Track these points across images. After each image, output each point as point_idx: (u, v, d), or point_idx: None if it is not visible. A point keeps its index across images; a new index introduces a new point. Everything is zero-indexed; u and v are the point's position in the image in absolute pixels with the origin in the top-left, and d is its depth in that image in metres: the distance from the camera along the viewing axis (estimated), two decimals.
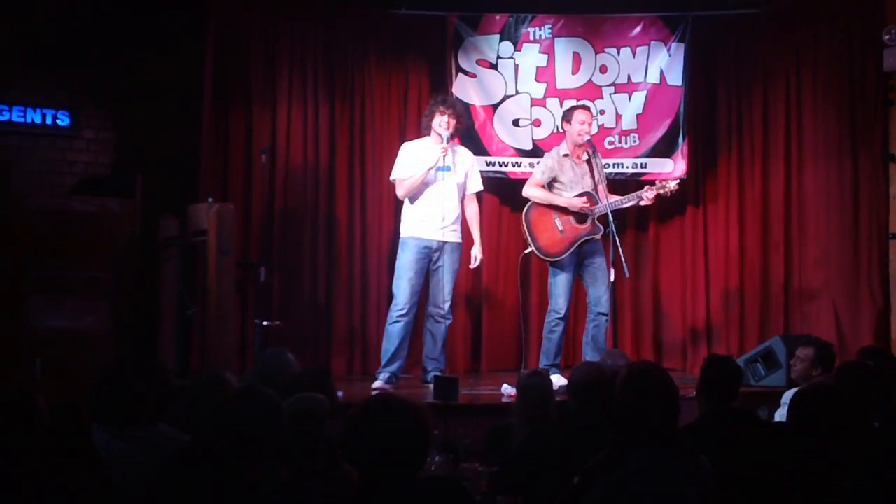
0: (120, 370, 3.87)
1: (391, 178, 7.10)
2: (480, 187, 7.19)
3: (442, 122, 6.86)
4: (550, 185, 6.97)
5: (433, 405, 5.48)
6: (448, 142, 6.86)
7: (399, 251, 7.02)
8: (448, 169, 6.92)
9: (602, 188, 6.91)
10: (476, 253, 7.10)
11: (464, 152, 7.17)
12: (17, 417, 2.89)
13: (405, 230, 7.02)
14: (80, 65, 7.49)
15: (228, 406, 3.23)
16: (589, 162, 6.98)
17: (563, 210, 6.88)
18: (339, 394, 4.99)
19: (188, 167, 7.43)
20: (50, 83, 7.51)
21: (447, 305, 7.00)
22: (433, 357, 7.05)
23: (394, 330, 6.86)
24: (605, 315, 6.88)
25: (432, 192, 6.92)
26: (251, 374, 5.40)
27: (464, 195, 7.06)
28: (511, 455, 4.22)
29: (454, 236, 6.99)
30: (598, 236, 6.92)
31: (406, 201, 7.01)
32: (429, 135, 6.99)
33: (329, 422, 3.52)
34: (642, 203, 7.03)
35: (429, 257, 6.93)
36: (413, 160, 6.95)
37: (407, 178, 6.92)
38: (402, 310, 6.86)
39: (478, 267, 7.41)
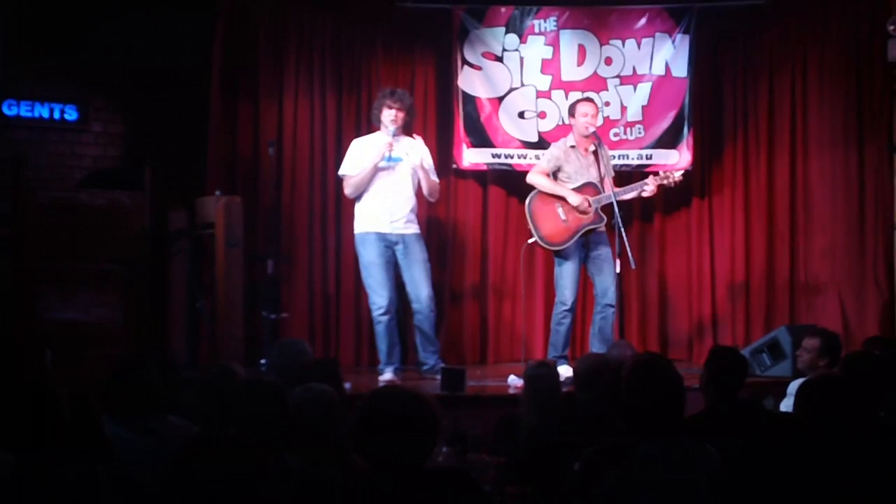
0: (130, 362, 3.89)
1: (339, 173, 7.01)
2: (433, 177, 7.01)
3: (389, 116, 6.77)
4: (555, 175, 6.98)
5: (441, 396, 5.50)
6: (394, 136, 6.75)
7: (359, 248, 6.92)
8: (399, 160, 6.82)
9: (608, 180, 6.92)
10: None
11: (413, 142, 6.97)
12: (39, 408, 2.91)
13: (360, 225, 6.90)
14: (88, 59, 7.53)
15: (233, 397, 3.25)
16: (595, 154, 6.99)
17: (565, 199, 6.88)
18: (347, 385, 5.03)
19: (197, 160, 7.46)
20: (58, 77, 7.54)
21: (428, 298, 6.92)
22: (430, 350, 7.00)
23: (381, 329, 6.83)
24: (612, 306, 6.85)
25: (381, 184, 6.80)
26: (268, 365, 5.44)
27: (419, 183, 6.90)
28: (519, 445, 4.25)
29: (409, 228, 6.87)
30: (602, 226, 6.91)
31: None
32: (379, 128, 6.90)
33: (338, 412, 3.55)
34: (645, 194, 7.00)
35: (391, 249, 6.84)
36: (362, 156, 6.82)
37: (354, 176, 6.83)
38: (381, 308, 6.79)
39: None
